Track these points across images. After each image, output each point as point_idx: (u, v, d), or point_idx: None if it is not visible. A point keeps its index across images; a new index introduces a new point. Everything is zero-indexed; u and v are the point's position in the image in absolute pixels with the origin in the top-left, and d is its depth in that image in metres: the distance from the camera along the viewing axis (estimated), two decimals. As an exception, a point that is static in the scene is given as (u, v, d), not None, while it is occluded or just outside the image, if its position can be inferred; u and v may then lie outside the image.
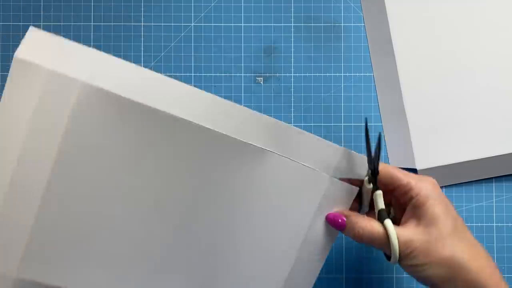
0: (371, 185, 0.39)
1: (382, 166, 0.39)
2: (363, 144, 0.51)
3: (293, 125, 0.51)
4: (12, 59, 0.50)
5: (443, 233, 0.36)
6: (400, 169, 0.39)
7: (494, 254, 0.50)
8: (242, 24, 0.51)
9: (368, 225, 0.38)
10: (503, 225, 0.50)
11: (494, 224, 0.50)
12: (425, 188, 0.37)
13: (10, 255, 0.38)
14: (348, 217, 0.39)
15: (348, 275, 0.50)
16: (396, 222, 0.39)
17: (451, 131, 0.49)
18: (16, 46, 0.51)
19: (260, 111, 0.51)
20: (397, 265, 0.50)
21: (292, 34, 0.52)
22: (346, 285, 0.50)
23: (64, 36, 0.51)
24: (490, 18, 0.49)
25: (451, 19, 0.49)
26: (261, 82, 0.51)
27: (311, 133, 0.38)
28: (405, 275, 0.50)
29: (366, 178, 0.39)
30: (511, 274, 0.50)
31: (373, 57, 0.51)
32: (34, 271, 0.39)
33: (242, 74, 0.51)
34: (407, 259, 0.37)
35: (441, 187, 0.50)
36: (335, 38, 0.51)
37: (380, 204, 0.39)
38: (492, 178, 0.50)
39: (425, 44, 0.49)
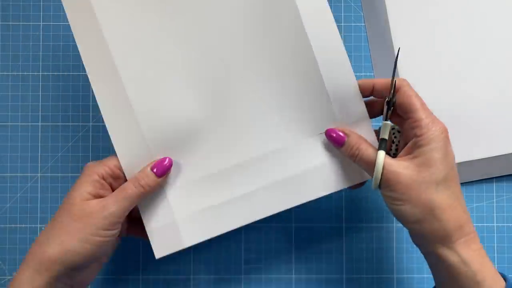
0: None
1: (405, 92, 0.39)
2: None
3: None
4: (11, 59, 0.50)
5: (432, 178, 0.36)
6: (422, 101, 0.39)
7: (494, 254, 0.50)
8: (242, 24, 0.51)
9: (364, 148, 0.39)
10: (504, 225, 0.50)
11: (495, 224, 0.50)
12: (432, 131, 0.37)
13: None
14: (349, 136, 0.40)
15: (348, 275, 0.50)
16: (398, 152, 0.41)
17: (451, 131, 0.49)
18: (16, 45, 0.51)
19: (260, 111, 0.51)
20: (397, 266, 0.50)
21: (292, 34, 0.51)
22: (346, 285, 0.50)
23: (63, 36, 0.51)
24: (491, 18, 0.49)
25: (452, 19, 0.49)
26: (261, 82, 0.51)
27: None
28: (405, 275, 0.50)
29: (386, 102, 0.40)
30: (511, 274, 0.50)
31: (373, 57, 0.51)
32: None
33: (242, 74, 0.51)
34: (388, 189, 0.38)
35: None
36: (335, 38, 0.51)
37: (383, 134, 0.39)
38: (492, 178, 0.50)
39: (425, 44, 0.49)
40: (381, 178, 0.38)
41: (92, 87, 0.41)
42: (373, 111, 0.43)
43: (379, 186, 0.38)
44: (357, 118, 0.42)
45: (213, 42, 0.42)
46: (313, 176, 0.42)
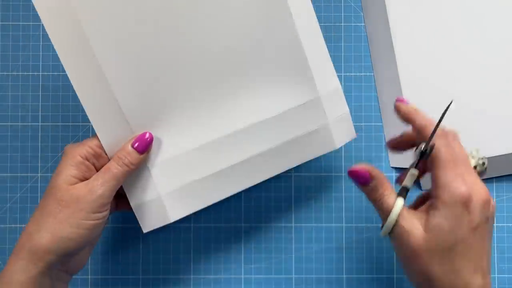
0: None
1: (436, 145, 0.36)
2: (363, 144, 0.51)
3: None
4: (11, 59, 0.50)
5: (437, 248, 0.35)
6: (451, 157, 0.36)
7: (494, 254, 0.50)
8: (242, 24, 0.51)
9: (387, 194, 0.37)
10: (504, 225, 0.50)
11: (495, 224, 0.50)
12: (448, 195, 0.35)
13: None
14: (374, 179, 0.38)
15: (348, 275, 0.50)
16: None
17: (452, 131, 0.49)
18: (16, 45, 0.51)
19: (260, 111, 0.51)
20: (397, 266, 0.50)
21: (292, 34, 0.51)
22: (346, 285, 0.50)
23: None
24: (491, 17, 0.49)
25: (452, 19, 0.49)
26: (261, 82, 0.51)
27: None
28: (405, 275, 0.50)
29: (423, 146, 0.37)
30: (511, 275, 0.50)
31: (373, 57, 0.51)
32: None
33: (242, 74, 0.51)
34: (395, 241, 0.37)
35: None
36: (335, 38, 0.51)
37: (407, 182, 0.37)
38: (492, 178, 0.50)
39: (425, 44, 0.49)
40: (393, 228, 0.37)
41: (63, 65, 0.39)
42: (403, 143, 0.43)
43: (389, 234, 0.37)
44: (332, 89, 0.44)
45: (193, 17, 0.41)
46: (294, 145, 0.43)
